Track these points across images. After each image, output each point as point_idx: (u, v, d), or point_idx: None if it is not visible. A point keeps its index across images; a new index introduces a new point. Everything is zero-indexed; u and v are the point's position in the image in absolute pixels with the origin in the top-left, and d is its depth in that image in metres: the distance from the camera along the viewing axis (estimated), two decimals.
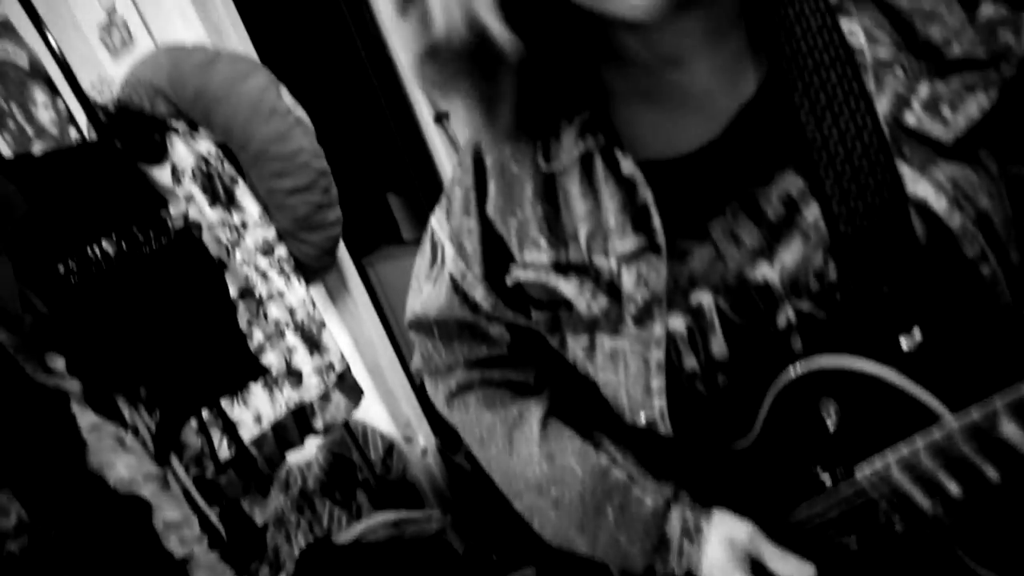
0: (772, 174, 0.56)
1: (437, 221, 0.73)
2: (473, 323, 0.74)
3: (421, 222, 3.22)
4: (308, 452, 2.07)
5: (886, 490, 0.57)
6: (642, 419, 0.64)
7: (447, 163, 2.84)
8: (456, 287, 0.71)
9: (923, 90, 0.53)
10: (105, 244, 1.33)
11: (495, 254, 0.67)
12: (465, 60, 0.51)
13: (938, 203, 0.52)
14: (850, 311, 0.56)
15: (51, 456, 1.05)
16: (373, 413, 2.15)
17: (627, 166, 0.58)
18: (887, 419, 0.56)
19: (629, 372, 0.63)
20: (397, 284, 3.32)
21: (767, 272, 0.56)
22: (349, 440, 2.05)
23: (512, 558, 1.90)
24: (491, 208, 0.66)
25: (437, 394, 0.82)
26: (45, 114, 2.19)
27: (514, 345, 0.76)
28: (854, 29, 0.54)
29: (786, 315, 0.57)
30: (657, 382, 0.61)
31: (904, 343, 0.55)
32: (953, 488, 0.53)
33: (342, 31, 2.57)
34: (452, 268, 0.71)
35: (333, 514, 2.03)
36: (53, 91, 2.13)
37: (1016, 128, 0.55)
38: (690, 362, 0.60)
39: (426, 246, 0.76)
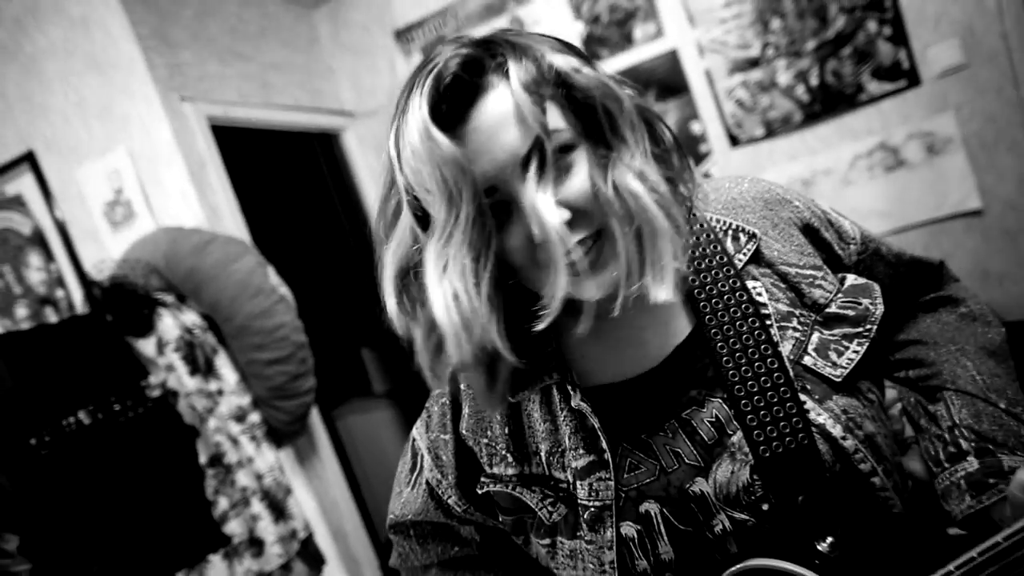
0: (703, 400, 0.63)
1: (418, 432, 0.78)
2: (446, 525, 0.78)
3: (392, 376, 3.24)
4: None
5: None
6: None
7: None
8: (432, 492, 0.75)
9: (815, 338, 0.64)
10: (81, 415, 1.33)
11: (467, 465, 0.72)
12: (476, 364, 0.58)
13: (835, 429, 0.60)
14: (775, 519, 0.61)
15: None
16: None
17: (576, 400, 0.65)
18: None
19: (587, 569, 0.66)
20: (365, 436, 3.27)
21: (703, 486, 0.62)
22: None
23: None
24: (464, 427, 0.72)
25: None
26: (36, 275, 2.25)
27: (483, 545, 0.79)
28: (757, 289, 0.65)
29: (722, 523, 0.62)
30: None
31: (820, 547, 0.60)
32: None
33: (328, 210, 2.76)
34: (429, 476, 0.75)
35: None
36: (48, 256, 2.21)
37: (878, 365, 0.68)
38: (641, 564, 0.64)
39: (407, 454, 0.80)
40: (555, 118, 0.55)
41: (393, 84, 2.73)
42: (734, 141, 2.41)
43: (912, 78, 2.20)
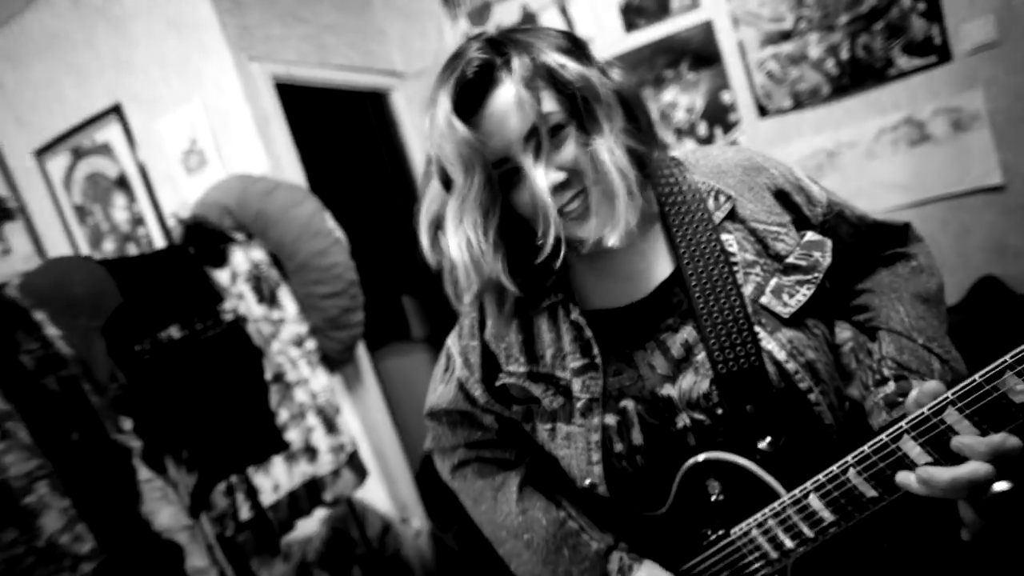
0: (677, 327, 0.81)
1: (451, 341, 0.98)
2: (472, 413, 0.98)
3: (430, 322, 3.47)
4: (310, 526, 2.20)
5: (747, 542, 0.78)
6: (587, 483, 0.86)
7: None
8: (462, 387, 0.96)
9: (773, 282, 0.80)
10: (172, 330, 1.58)
11: (490, 365, 0.92)
12: (487, 293, 0.80)
13: (780, 354, 0.77)
14: (726, 421, 0.79)
15: (116, 500, 1.24)
16: (374, 493, 2.30)
17: (575, 315, 0.84)
18: (748, 494, 0.78)
19: (577, 448, 0.85)
20: (402, 377, 3.53)
21: (671, 391, 0.81)
22: (350, 516, 2.19)
23: None
24: (488, 334, 0.91)
25: (444, 467, 1.04)
26: (121, 215, 2.53)
27: (500, 431, 1.00)
28: (730, 241, 0.81)
29: (683, 420, 0.80)
30: (596, 456, 0.84)
31: (760, 445, 0.78)
32: (788, 541, 0.74)
33: (377, 165, 2.96)
34: (460, 374, 0.95)
35: None
36: (131, 198, 2.47)
37: (827, 304, 0.84)
38: (618, 446, 0.83)
39: (442, 358, 1.01)
40: (549, 103, 0.72)
41: (440, 47, 2.88)
42: (762, 111, 2.51)
43: (943, 54, 2.25)
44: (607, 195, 0.72)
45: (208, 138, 2.20)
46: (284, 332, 1.87)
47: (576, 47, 0.76)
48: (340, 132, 2.92)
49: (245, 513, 1.69)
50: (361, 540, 2.24)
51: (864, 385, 0.83)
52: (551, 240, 0.72)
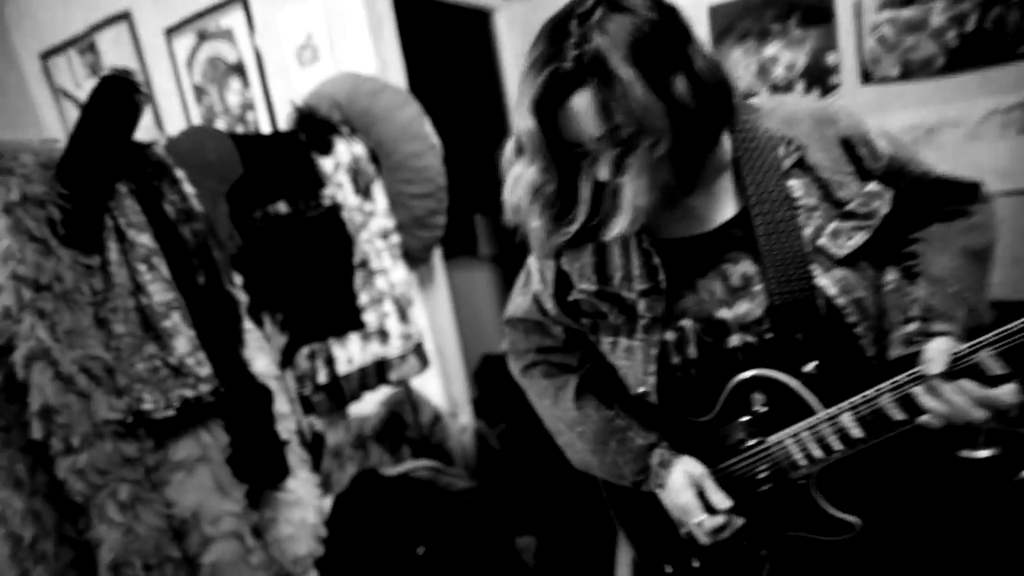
0: (738, 260, 0.88)
1: (532, 259, 1.07)
2: (543, 323, 1.09)
3: (499, 241, 3.58)
4: (370, 407, 2.41)
5: (780, 450, 0.87)
6: (640, 390, 0.96)
7: None
8: (536, 300, 1.06)
9: (831, 227, 0.86)
10: (280, 205, 1.73)
11: (562, 282, 1.01)
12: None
13: (831, 290, 0.84)
14: (775, 345, 0.86)
15: (226, 339, 1.42)
16: (431, 386, 2.48)
17: (646, 244, 0.91)
18: (788, 409, 0.87)
19: (636, 360, 0.95)
20: (466, 289, 3.68)
21: (726, 314, 0.89)
22: (407, 402, 2.39)
23: (519, 527, 2.18)
24: (564, 256, 0.99)
25: (516, 366, 1.16)
26: (234, 98, 2.69)
27: (567, 341, 1.11)
28: (795, 187, 0.86)
29: (735, 341, 0.88)
30: (652, 367, 0.93)
31: (805, 368, 0.85)
32: (818, 451, 0.83)
33: (471, 83, 3.01)
34: (536, 288, 1.06)
35: (381, 457, 2.36)
36: (245, 84, 2.62)
37: (882, 250, 0.88)
38: (675, 359, 0.92)
39: (523, 274, 1.11)
40: (619, 117, 0.73)
41: None
42: (866, 77, 2.41)
43: None
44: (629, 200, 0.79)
45: (323, 35, 2.30)
46: (373, 224, 2.01)
47: (666, 32, 0.74)
48: (442, 46, 2.96)
49: (322, 378, 1.89)
50: (414, 424, 2.45)
51: (892, 322, 0.88)
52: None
